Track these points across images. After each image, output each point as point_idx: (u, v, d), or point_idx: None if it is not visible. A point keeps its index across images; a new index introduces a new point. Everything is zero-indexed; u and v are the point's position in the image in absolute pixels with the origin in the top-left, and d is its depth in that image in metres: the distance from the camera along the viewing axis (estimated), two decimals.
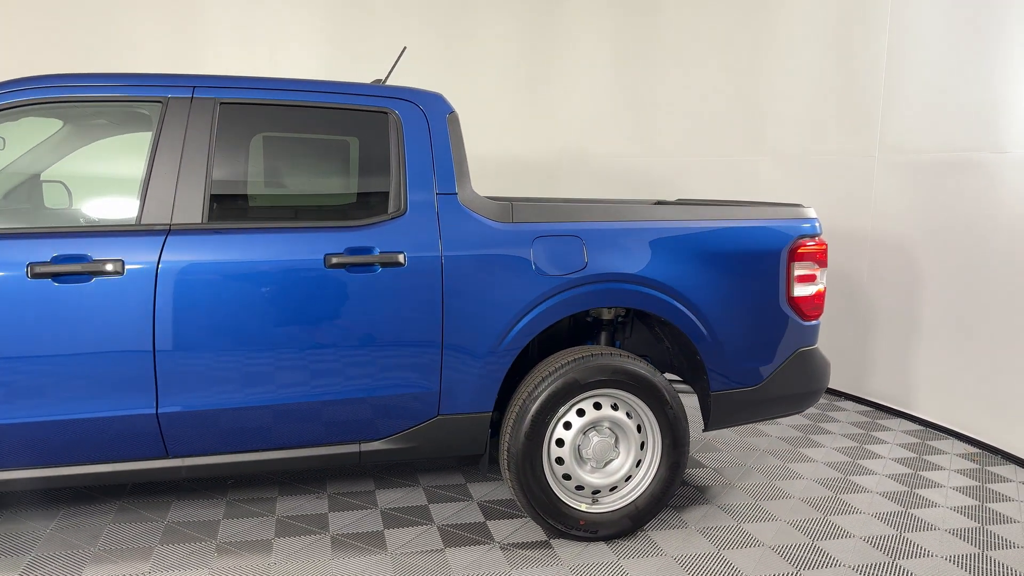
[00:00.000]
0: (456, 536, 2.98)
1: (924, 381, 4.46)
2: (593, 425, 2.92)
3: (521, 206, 2.85)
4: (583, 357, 2.87)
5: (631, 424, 2.95)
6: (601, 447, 2.92)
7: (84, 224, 2.53)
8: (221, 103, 2.62)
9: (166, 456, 2.59)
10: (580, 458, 2.94)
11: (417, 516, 3.15)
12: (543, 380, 2.84)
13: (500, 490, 3.43)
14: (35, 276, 2.37)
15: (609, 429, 2.95)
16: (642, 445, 2.99)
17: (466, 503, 3.29)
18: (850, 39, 4.77)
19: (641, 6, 5.97)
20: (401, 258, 2.67)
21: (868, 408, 4.85)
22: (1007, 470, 3.83)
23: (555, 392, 2.83)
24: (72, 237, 2.43)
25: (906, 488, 3.57)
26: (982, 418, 4.10)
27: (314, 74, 5.98)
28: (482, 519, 3.15)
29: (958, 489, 3.56)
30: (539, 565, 2.78)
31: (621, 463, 2.97)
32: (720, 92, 5.60)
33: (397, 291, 2.67)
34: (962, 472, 3.78)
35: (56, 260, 2.39)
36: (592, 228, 2.89)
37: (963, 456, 4.01)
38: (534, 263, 2.80)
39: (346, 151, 2.81)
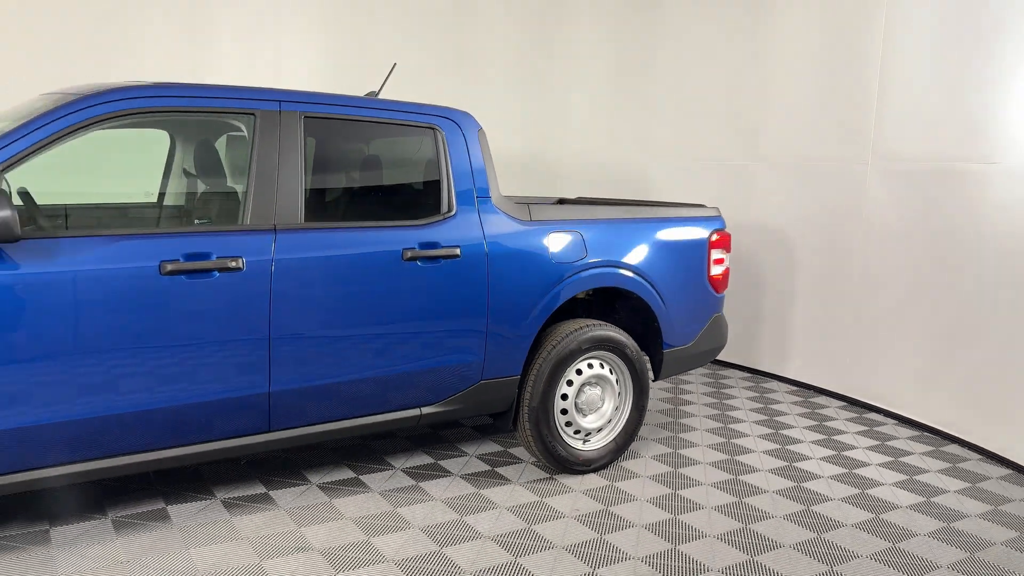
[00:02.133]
0: (479, 481, 3.59)
1: (938, 389, 4.52)
2: (586, 381, 3.68)
3: (536, 207, 3.52)
4: (580, 328, 3.62)
5: (612, 378, 3.76)
6: (592, 397, 3.70)
7: (198, 224, 2.75)
8: (306, 116, 2.96)
9: (268, 431, 2.91)
10: (576, 408, 3.68)
11: (435, 471, 3.69)
12: (553, 347, 3.54)
13: (485, 445, 4.06)
14: (167, 273, 2.58)
15: (595, 383, 3.73)
16: (618, 394, 3.81)
17: (467, 458, 3.88)
18: (844, 48, 4.96)
19: (640, 12, 6.30)
20: (458, 251, 3.21)
21: (750, 374, 6.13)
22: (824, 399, 5.25)
23: (563, 357, 3.54)
24: (191, 236, 2.66)
25: (766, 417, 4.79)
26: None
27: (316, 82, 6.14)
28: (489, 468, 3.77)
29: (801, 415, 4.87)
30: (561, 493, 3.49)
31: (605, 409, 3.77)
32: (716, 98, 5.83)
33: (455, 279, 3.21)
34: (794, 403, 5.13)
35: (187, 258, 2.62)
36: (587, 224, 3.63)
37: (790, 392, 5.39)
38: (550, 254, 3.48)
39: (405, 159, 3.27)
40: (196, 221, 2.83)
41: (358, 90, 6.18)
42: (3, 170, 2.39)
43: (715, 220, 4.16)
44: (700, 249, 4.05)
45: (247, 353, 2.76)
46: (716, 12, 5.82)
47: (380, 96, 3.50)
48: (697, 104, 5.99)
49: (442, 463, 3.80)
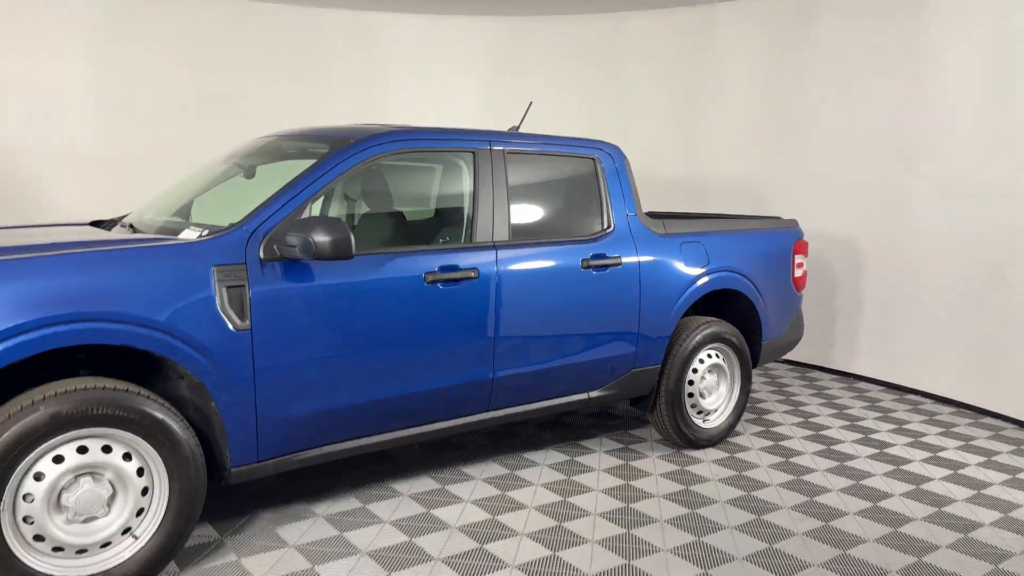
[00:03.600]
0: (623, 455, 4.23)
1: None
2: (707, 368, 4.36)
3: (670, 221, 4.20)
4: (703, 324, 4.29)
5: (725, 366, 4.45)
6: (711, 383, 4.38)
7: (442, 243, 3.36)
8: (507, 152, 3.59)
9: (487, 411, 3.52)
10: (699, 392, 4.36)
11: (583, 450, 4.31)
12: (684, 340, 4.21)
13: (607, 430, 4.70)
14: (429, 282, 3.19)
15: (712, 370, 4.41)
16: (730, 380, 4.49)
17: (600, 438, 4.52)
18: (1014, 61, 4.90)
19: (791, 33, 6.26)
20: (620, 260, 3.87)
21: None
22: (867, 384, 6.02)
23: (692, 349, 4.21)
24: (436, 254, 3.27)
25: (835, 408, 5.54)
26: None
27: (476, 116, 7.12)
28: (622, 446, 4.41)
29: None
30: (695, 464, 4.15)
31: (721, 392, 4.45)
32: (874, 117, 5.76)
33: (618, 283, 3.86)
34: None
35: (441, 270, 3.23)
36: (707, 235, 4.32)
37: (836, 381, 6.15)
38: (682, 261, 4.16)
39: (574, 184, 3.91)
40: (440, 240, 3.43)
41: (502, 123, 6.95)
42: (312, 201, 2.97)
43: (796, 230, 4.89)
44: (787, 255, 4.77)
45: (480, 346, 3.37)
46: (875, 25, 5.75)
47: (520, 130, 4.12)
48: (851, 122, 5.95)
49: (583, 443, 4.43)
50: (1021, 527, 3.48)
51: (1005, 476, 4.11)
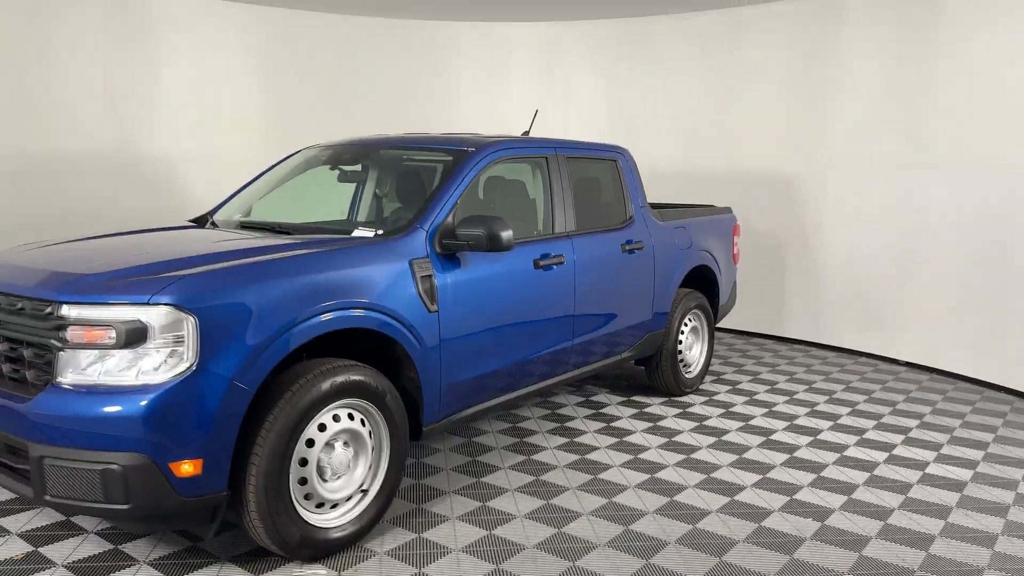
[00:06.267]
0: (632, 405, 5.13)
1: None
2: (688, 331, 5.39)
3: (665, 212, 5.15)
4: (688, 295, 5.30)
5: (699, 326, 5.50)
6: (691, 342, 5.42)
7: (534, 234, 4.03)
8: (568, 158, 4.33)
9: (567, 373, 4.26)
10: (686, 347, 5.37)
11: (594, 405, 5.16)
12: (676, 309, 5.19)
13: (619, 398, 5.59)
14: (537, 267, 3.87)
15: (690, 333, 5.44)
16: (701, 338, 5.56)
17: (611, 394, 5.40)
18: None
19: (815, 25, 6.62)
20: (643, 244, 4.75)
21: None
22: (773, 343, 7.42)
23: (681, 316, 5.21)
24: (536, 243, 3.95)
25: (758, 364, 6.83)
26: None
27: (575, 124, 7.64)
28: (625, 397, 5.32)
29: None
30: (689, 406, 5.16)
31: (696, 348, 5.51)
32: (887, 102, 6.21)
33: (642, 263, 4.74)
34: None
35: (542, 257, 3.91)
36: (688, 222, 5.33)
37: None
38: (677, 243, 5.13)
39: (603, 182, 4.71)
40: (534, 233, 4.08)
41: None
42: (456, 204, 3.53)
43: (732, 216, 6.06)
44: (729, 236, 5.93)
45: (567, 318, 4.10)
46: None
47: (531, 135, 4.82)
48: (868, 109, 6.39)
49: (594, 398, 5.28)
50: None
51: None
